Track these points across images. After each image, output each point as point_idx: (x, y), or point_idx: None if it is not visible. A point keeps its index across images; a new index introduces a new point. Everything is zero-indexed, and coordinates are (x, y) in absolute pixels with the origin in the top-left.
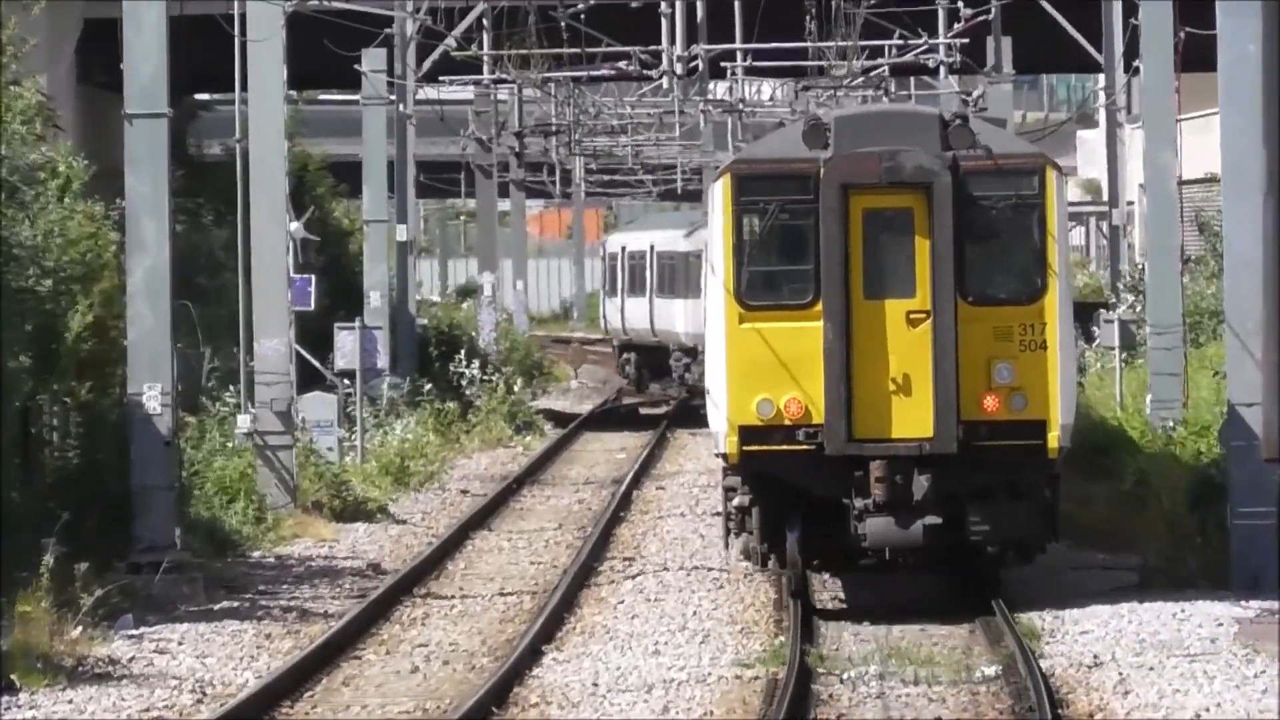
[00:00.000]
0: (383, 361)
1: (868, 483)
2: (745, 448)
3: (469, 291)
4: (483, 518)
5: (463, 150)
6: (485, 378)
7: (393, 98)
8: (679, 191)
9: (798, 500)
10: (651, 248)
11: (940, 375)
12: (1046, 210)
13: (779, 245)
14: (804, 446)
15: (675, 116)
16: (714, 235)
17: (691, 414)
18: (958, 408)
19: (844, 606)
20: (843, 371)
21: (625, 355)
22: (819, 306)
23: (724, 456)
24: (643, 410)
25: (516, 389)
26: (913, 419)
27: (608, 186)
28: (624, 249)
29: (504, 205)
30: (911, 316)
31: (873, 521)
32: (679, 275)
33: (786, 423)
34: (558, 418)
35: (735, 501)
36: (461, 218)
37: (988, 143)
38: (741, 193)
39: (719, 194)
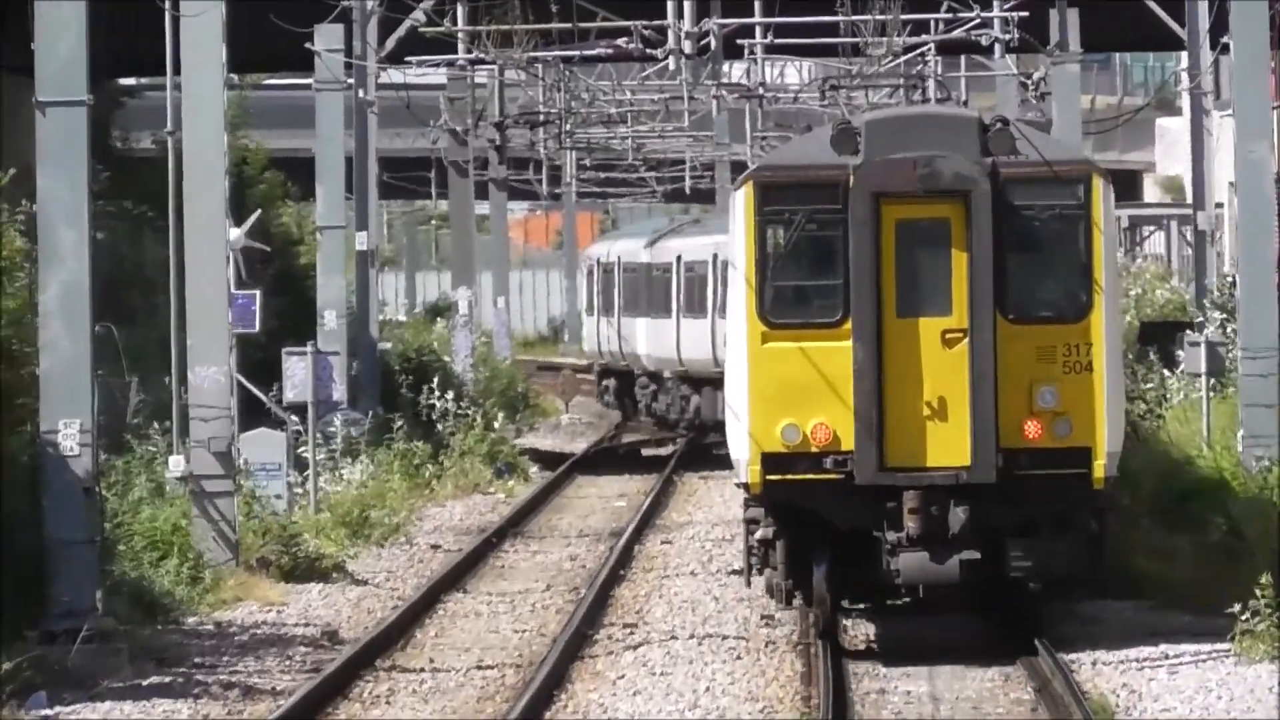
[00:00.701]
0: (339, 393)
1: (900, 514)
2: (769, 476)
3: (441, 310)
4: (457, 577)
5: (433, 144)
6: (460, 412)
7: (351, 81)
8: (687, 191)
9: (825, 533)
10: (618, 260)
11: (978, 399)
12: (1093, 221)
13: (805, 259)
14: (832, 475)
15: (684, 103)
16: (735, 248)
17: (701, 455)
18: (997, 434)
19: (875, 648)
20: (874, 394)
21: (605, 382)
22: (848, 325)
23: (745, 486)
24: (645, 451)
25: (497, 425)
26: (949, 446)
27: (604, 186)
28: (598, 261)
29: (482, 208)
30: (948, 336)
31: (906, 556)
32: (640, 290)
33: (813, 450)
34: (546, 458)
35: (758, 535)
36: (433, 223)
37: (1030, 148)
38: (765, 202)
39: (740, 203)
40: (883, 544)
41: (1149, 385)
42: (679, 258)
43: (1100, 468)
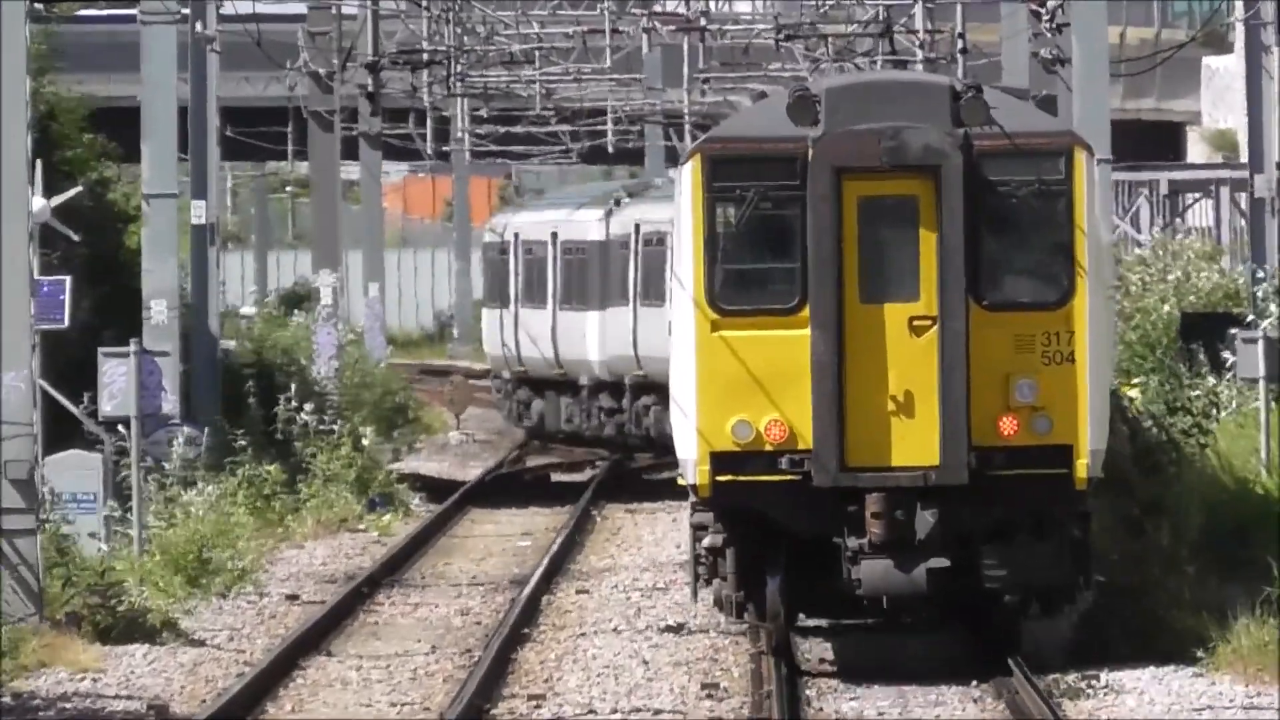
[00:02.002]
0: (170, 404)
1: (863, 519)
2: (718, 478)
3: (299, 300)
4: (320, 637)
5: (290, 90)
6: (323, 428)
7: (186, 11)
8: (610, 150)
9: (780, 540)
10: (554, 236)
11: (949, 392)
12: (1075, 198)
13: (759, 240)
14: (788, 476)
15: (606, 38)
16: (682, 228)
17: (630, 481)
18: (969, 431)
19: (834, 667)
20: (834, 388)
21: (519, 394)
22: (806, 311)
23: (693, 489)
24: (557, 476)
25: (368, 444)
26: (916, 444)
27: (506, 143)
28: (517, 238)
29: (351, 171)
30: (915, 323)
31: (868, 565)
32: (592, 276)
33: (767, 448)
34: (431, 487)
35: (706, 542)
36: (288, 190)
37: (1006, 118)
38: (714, 178)
39: (687, 179)
40: (843, 551)
41: (1194, 393)
42: (637, 227)
43: (1083, 467)
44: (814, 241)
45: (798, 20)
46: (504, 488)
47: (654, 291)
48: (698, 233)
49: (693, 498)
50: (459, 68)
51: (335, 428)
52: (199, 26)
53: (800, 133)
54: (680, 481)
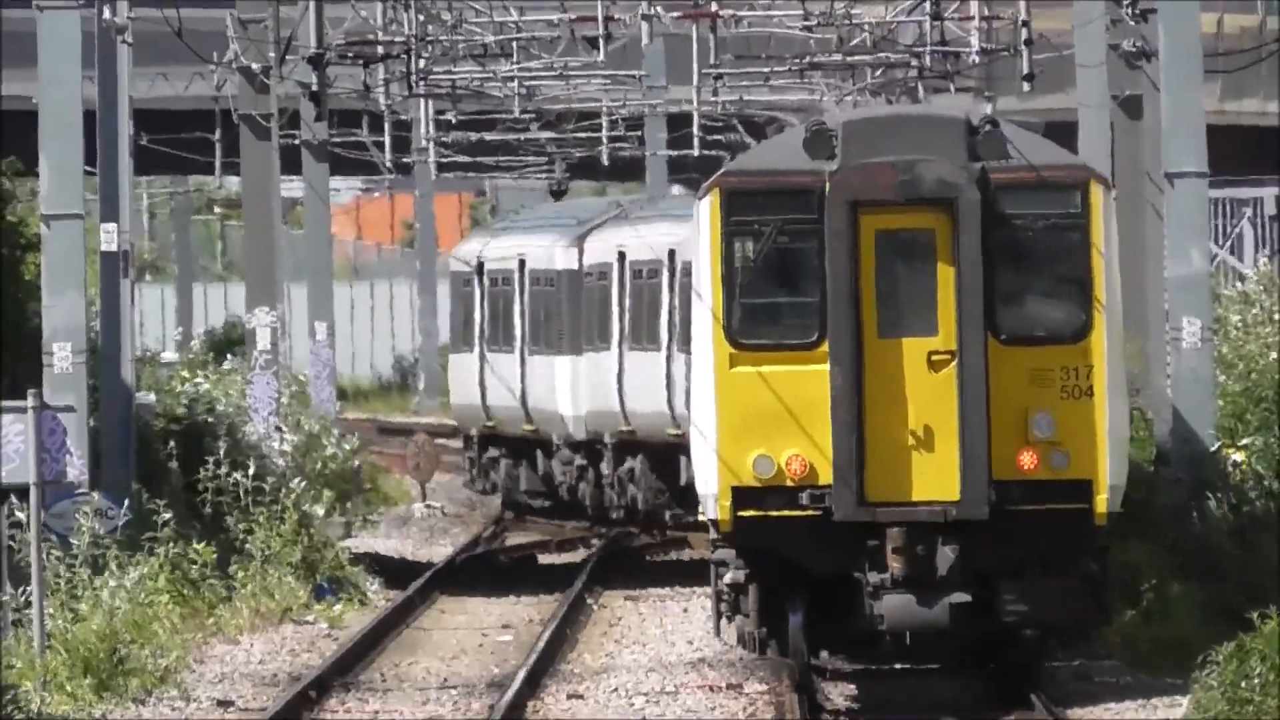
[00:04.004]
0: (76, 469)
1: (883, 554)
2: (739, 513)
3: (231, 343)
4: None
5: (218, 89)
6: (261, 499)
7: None
8: (605, 162)
9: (801, 576)
10: (521, 265)
11: (968, 427)
12: (1092, 231)
13: (777, 273)
14: (809, 511)
15: (599, 27)
16: (700, 262)
17: (631, 562)
18: (989, 466)
19: (856, 705)
20: (853, 423)
21: (487, 454)
22: (824, 346)
23: (714, 524)
24: (544, 557)
25: (317, 516)
26: (936, 479)
27: (478, 153)
28: (482, 267)
29: (293, 188)
30: (934, 358)
31: (890, 600)
32: (560, 312)
33: (788, 483)
34: (391, 570)
35: (728, 578)
36: (216, 210)
37: (1022, 151)
38: (731, 211)
39: (705, 213)
40: (864, 587)
41: None
42: (621, 255)
43: (1102, 502)
44: (832, 276)
45: (829, 3)
46: (479, 570)
47: (646, 334)
48: (716, 267)
49: (713, 533)
50: (421, 62)
51: (277, 498)
52: (107, 13)
53: (817, 166)
54: (700, 517)
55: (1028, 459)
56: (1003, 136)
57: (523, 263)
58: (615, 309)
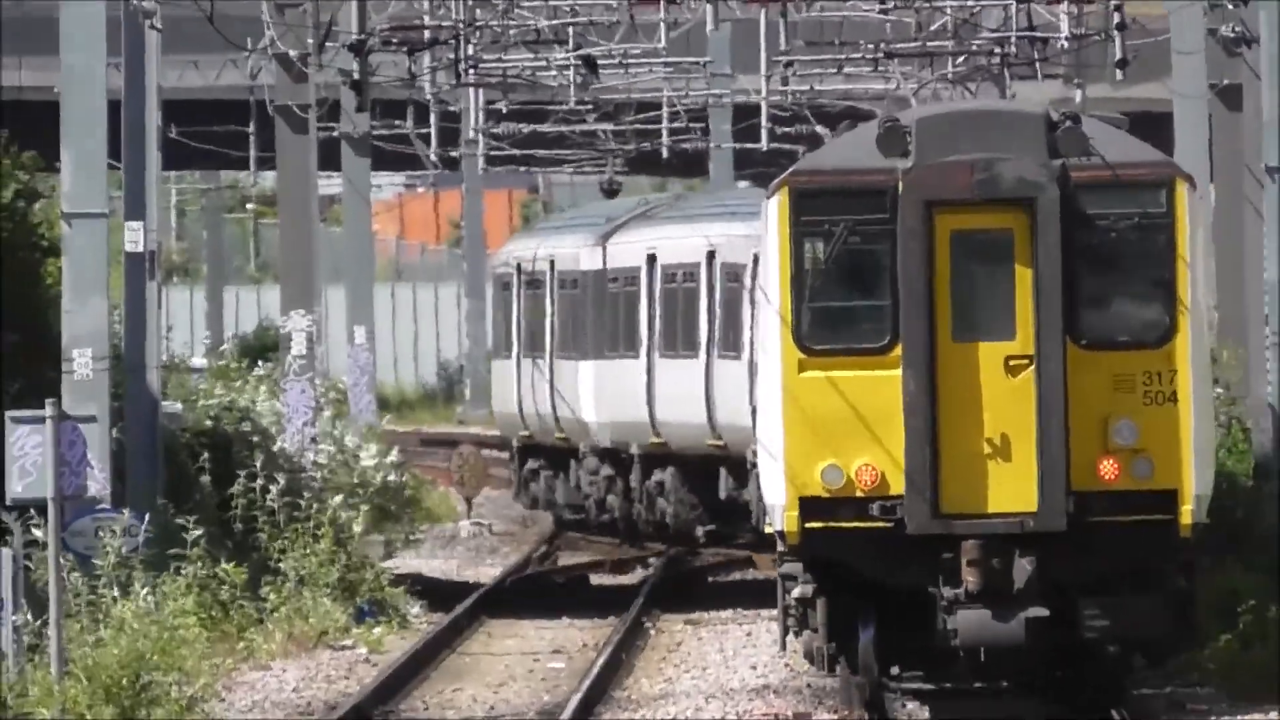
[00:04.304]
0: (99, 484)
1: (958, 567)
2: (808, 525)
3: (264, 348)
4: None
5: (253, 78)
6: (297, 515)
7: None
8: (664, 153)
9: (872, 590)
10: (551, 266)
11: (1046, 435)
12: (1177, 231)
13: (848, 275)
14: (880, 523)
15: (660, 12)
16: (768, 264)
17: (693, 584)
18: (1068, 475)
19: None
20: (927, 430)
21: (528, 465)
22: (897, 350)
23: (781, 536)
24: (597, 579)
25: (356, 534)
26: (1013, 489)
27: (530, 146)
28: (519, 269)
29: (332, 184)
30: (1011, 363)
31: (964, 615)
32: (583, 316)
33: (858, 494)
34: (436, 591)
35: (796, 592)
36: (249, 208)
37: (1104, 148)
38: (801, 211)
39: (773, 213)
40: (938, 601)
41: None
42: (651, 258)
43: (1187, 513)
44: (905, 278)
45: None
46: (530, 592)
47: (683, 339)
48: (784, 269)
49: (780, 546)
50: (470, 49)
51: (312, 514)
52: None
53: (890, 164)
54: (766, 529)
55: (1108, 468)
56: (1083, 133)
57: (552, 264)
58: (644, 313)
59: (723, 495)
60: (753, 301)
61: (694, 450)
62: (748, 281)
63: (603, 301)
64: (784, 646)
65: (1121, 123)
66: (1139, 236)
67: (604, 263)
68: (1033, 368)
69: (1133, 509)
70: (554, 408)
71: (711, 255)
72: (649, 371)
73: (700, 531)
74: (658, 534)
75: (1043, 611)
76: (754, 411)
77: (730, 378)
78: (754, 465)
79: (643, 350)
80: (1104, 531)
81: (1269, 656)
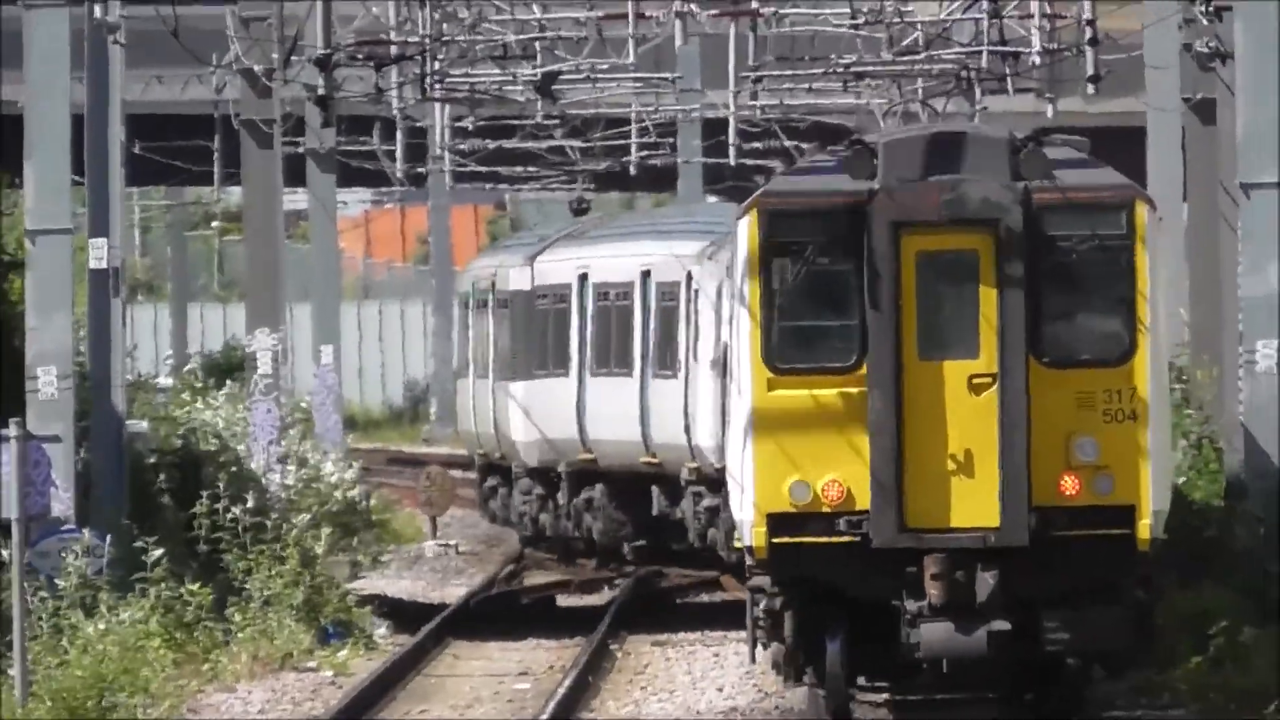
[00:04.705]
0: (63, 503)
1: (922, 581)
2: (775, 540)
3: (230, 367)
4: None
5: (217, 93)
6: (262, 536)
7: None
8: (631, 172)
9: (839, 602)
10: (492, 286)
11: (1009, 451)
12: (1136, 252)
13: (816, 296)
14: (846, 538)
15: (629, 28)
16: (738, 284)
17: (660, 604)
18: (1030, 491)
19: None
20: (893, 447)
21: (487, 484)
22: (864, 369)
23: (749, 550)
24: (564, 599)
25: (320, 554)
26: (976, 504)
27: (497, 162)
28: (474, 287)
29: (298, 200)
30: (975, 381)
31: (928, 627)
32: (516, 334)
33: (825, 509)
34: (402, 612)
35: (764, 605)
36: (214, 225)
37: (1066, 171)
38: (770, 232)
39: (743, 233)
40: (902, 614)
41: None
42: (582, 277)
43: (1145, 528)
44: (871, 297)
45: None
46: (495, 613)
47: (617, 358)
48: (754, 289)
49: (749, 559)
50: (437, 64)
51: (278, 535)
52: (98, 11)
53: (857, 186)
54: (736, 544)
55: (1070, 484)
56: (1046, 155)
57: (493, 284)
58: (575, 332)
59: (655, 512)
60: (687, 319)
61: (625, 468)
62: (683, 300)
63: (531, 320)
64: (753, 659)
65: (1083, 144)
66: (1100, 257)
67: (532, 282)
68: (996, 386)
69: (1093, 524)
70: (495, 427)
71: (647, 274)
72: (579, 389)
73: (627, 548)
74: (587, 551)
75: (1005, 624)
76: (722, 428)
77: (665, 395)
78: (689, 483)
79: (573, 368)
80: (1065, 546)
81: (1243, 679)
